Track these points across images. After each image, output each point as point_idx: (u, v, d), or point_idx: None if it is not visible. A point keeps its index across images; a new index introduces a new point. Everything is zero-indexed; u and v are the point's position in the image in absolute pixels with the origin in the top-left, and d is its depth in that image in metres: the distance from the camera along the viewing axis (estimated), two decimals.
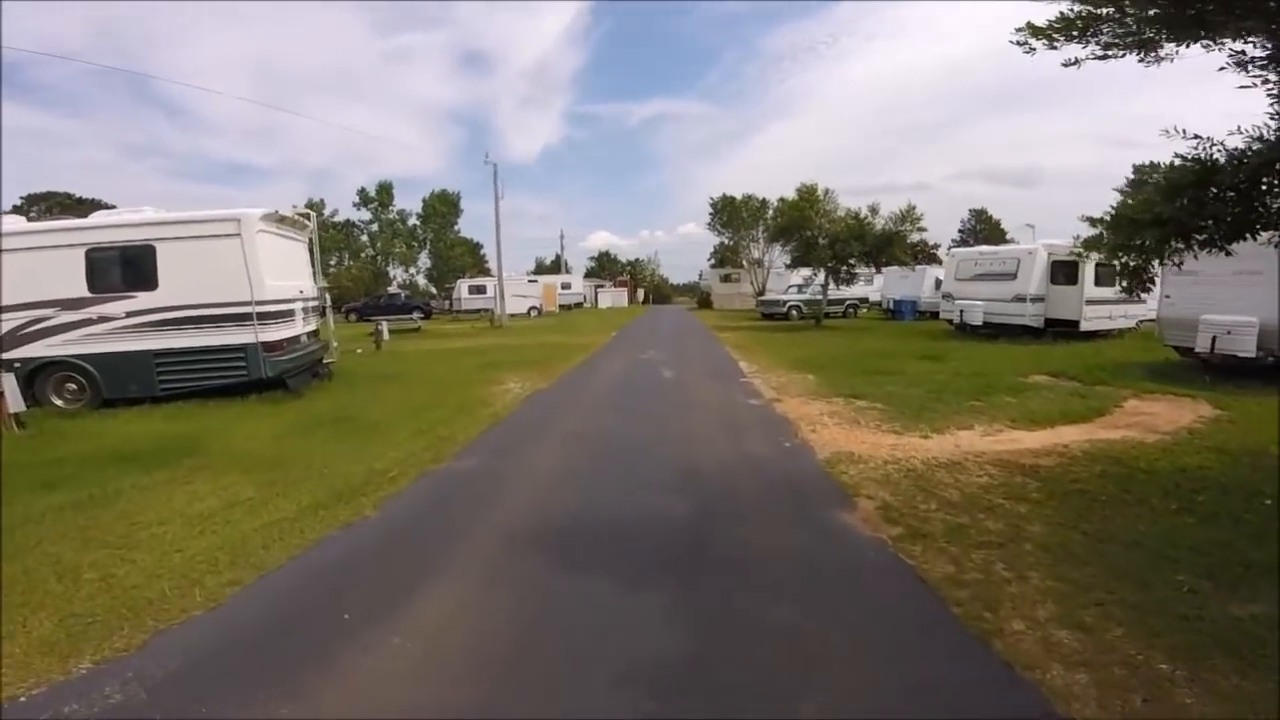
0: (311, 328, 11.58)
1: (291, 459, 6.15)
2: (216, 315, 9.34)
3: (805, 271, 30.67)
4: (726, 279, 43.71)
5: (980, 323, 17.05)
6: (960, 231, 57.70)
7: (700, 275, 55.97)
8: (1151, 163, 4.94)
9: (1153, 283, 5.09)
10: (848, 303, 28.23)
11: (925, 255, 20.54)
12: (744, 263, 44.94)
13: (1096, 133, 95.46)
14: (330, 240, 41.74)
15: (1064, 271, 16.75)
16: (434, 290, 48.80)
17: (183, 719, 2.42)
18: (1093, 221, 4.88)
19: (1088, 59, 4.37)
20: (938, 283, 27.05)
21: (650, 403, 8.60)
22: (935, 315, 27.02)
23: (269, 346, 9.65)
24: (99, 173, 78.79)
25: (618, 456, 6.12)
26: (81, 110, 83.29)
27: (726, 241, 42.57)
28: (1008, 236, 55.70)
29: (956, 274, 18.48)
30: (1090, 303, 16.67)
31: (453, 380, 11.08)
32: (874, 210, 20.11)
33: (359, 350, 16.53)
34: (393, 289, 54.59)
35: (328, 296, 12.69)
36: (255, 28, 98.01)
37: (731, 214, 39.37)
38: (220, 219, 9.46)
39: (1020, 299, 16.81)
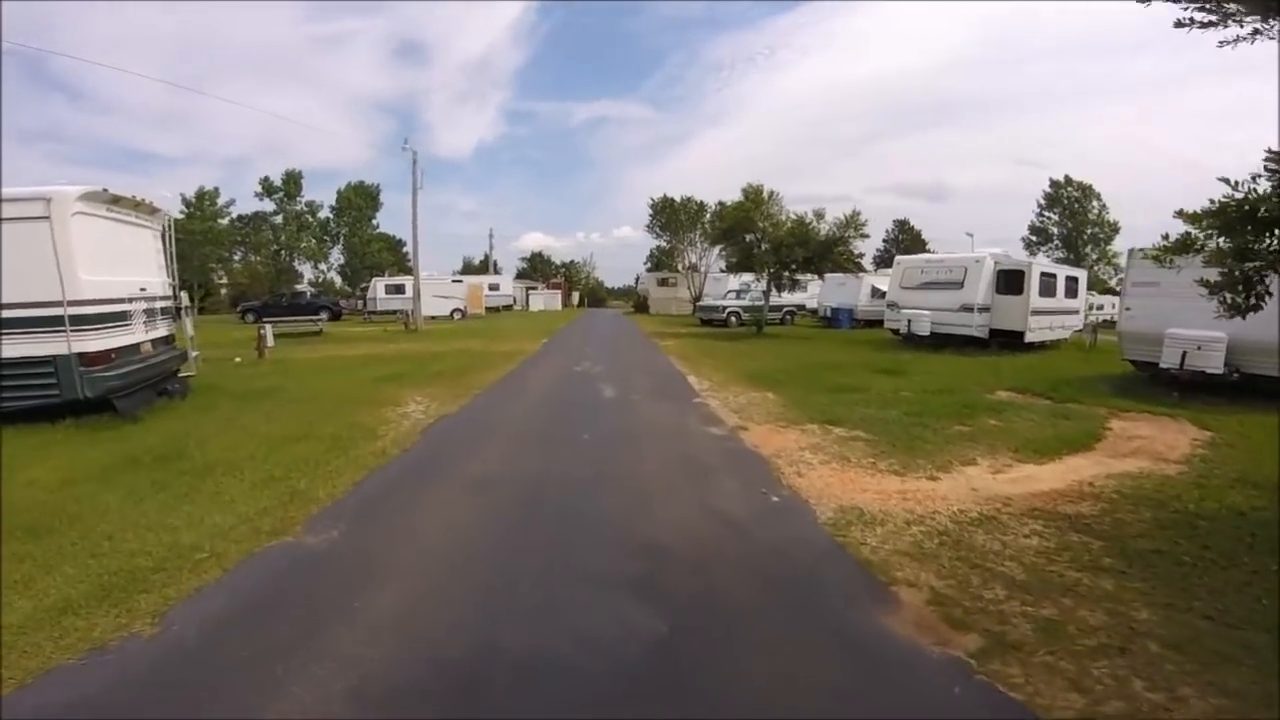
0: (160, 333, 9.28)
1: (70, 521, 4.26)
2: (13, 319, 7.06)
3: (744, 277, 30.06)
4: (663, 283, 42.55)
5: (928, 332, 16.48)
6: (885, 241, 59.63)
7: (637, 279, 54.74)
8: None
9: (1266, 296, 3.96)
10: (785, 309, 27.62)
11: (853, 264, 20.06)
12: (679, 267, 43.98)
13: (1002, 152, 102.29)
14: (232, 234, 37.47)
15: (1009, 281, 16.48)
16: (349, 289, 45.04)
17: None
18: (1188, 217, 3.63)
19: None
20: (874, 291, 26.94)
21: (587, 432, 6.91)
22: (871, 324, 27.03)
23: (89, 358, 7.47)
24: None
25: (544, 523, 4.39)
26: None
27: (665, 244, 41.42)
28: (928, 247, 58.31)
29: (902, 282, 17.92)
30: (1035, 313, 16.50)
31: (340, 399, 8.97)
32: (819, 215, 19.33)
33: (238, 359, 13.90)
34: (301, 287, 50.27)
35: (186, 296, 10.26)
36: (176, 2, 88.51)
37: (670, 216, 38.24)
38: (25, 198, 7.30)
39: (967, 308, 16.37)
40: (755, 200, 19.99)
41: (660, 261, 58.41)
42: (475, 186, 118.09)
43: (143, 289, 8.72)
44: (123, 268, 8.35)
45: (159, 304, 9.24)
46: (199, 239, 29.15)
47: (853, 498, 4.93)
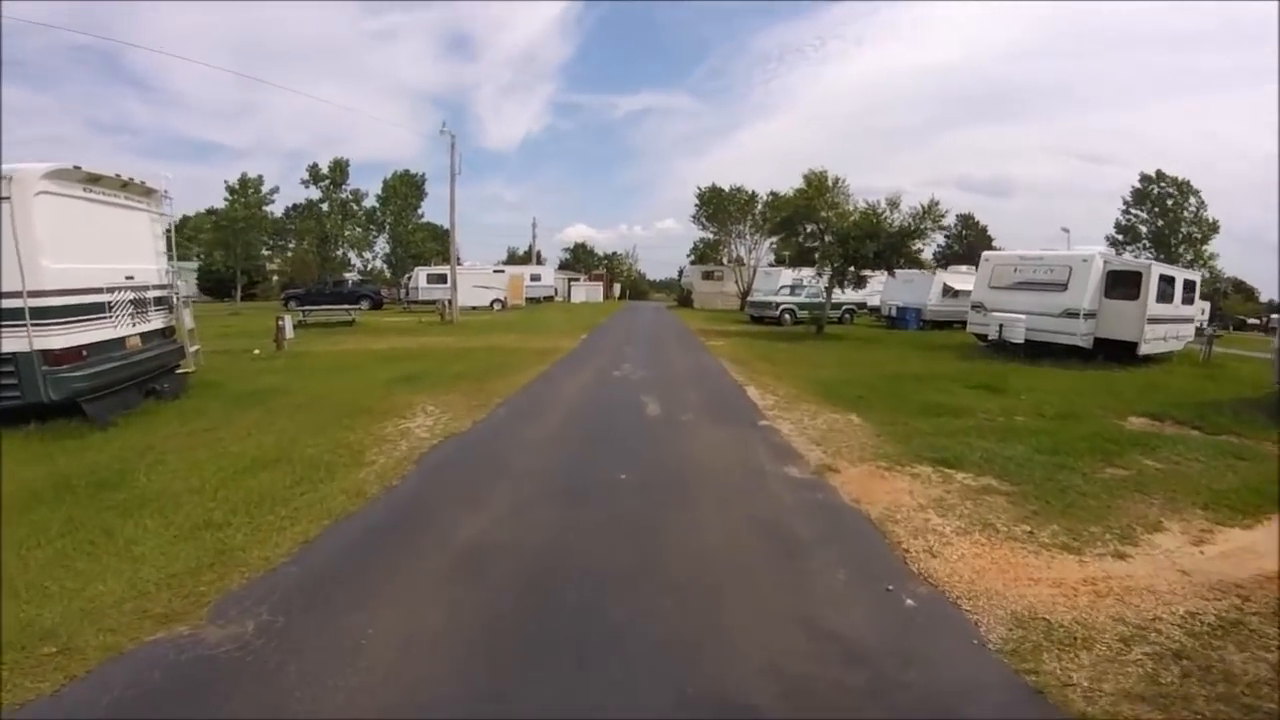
0: (152, 326, 8.22)
1: None
2: None
3: (799, 271, 27.96)
4: (709, 276, 40.61)
5: (1022, 340, 14.24)
6: (946, 237, 55.93)
7: (681, 272, 52.86)
8: None
9: None
10: (844, 307, 25.42)
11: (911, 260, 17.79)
12: (725, 260, 41.91)
13: (1066, 146, 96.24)
14: (278, 222, 37.48)
15: (1121, 284, 14.07)
16: (394, 278, 44.76)
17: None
18: None
19: None
20: (946, 289, 24.49)
21: (625, 472, 5.29)
22: (939, 325, 24.58)
23: (54, 357, 6.50)
24: (65, 148, 75.54)
25: (553, 660, 2.80)
26: (51, 84, 78.61)
27: (711, 236, 39.42)
28: (994, 244, 54.45)
29: (991, 281, 15.64)
30: (1151, 321, 14.06)
31: (341, 406, 7.66)
32: (893, 204, 17.16)
33: (256, 351, 12.93)
34: (351, 275, 50.49)
35: (184, 284, 9.16)
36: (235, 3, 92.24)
37: (718, 206, 36.22)
38: None
39: (1071, 314, 14.05)
40: (818, 187, 17.96)
41: (705, 254, 56.36)
42: (521, 178, 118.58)
43: (129, 277, 7.65)
44: (104, 254, 7.30)
45: (152, 294, 8.17)
46: (242, 226, 28.87)
47: (1024, 595, 3.34)
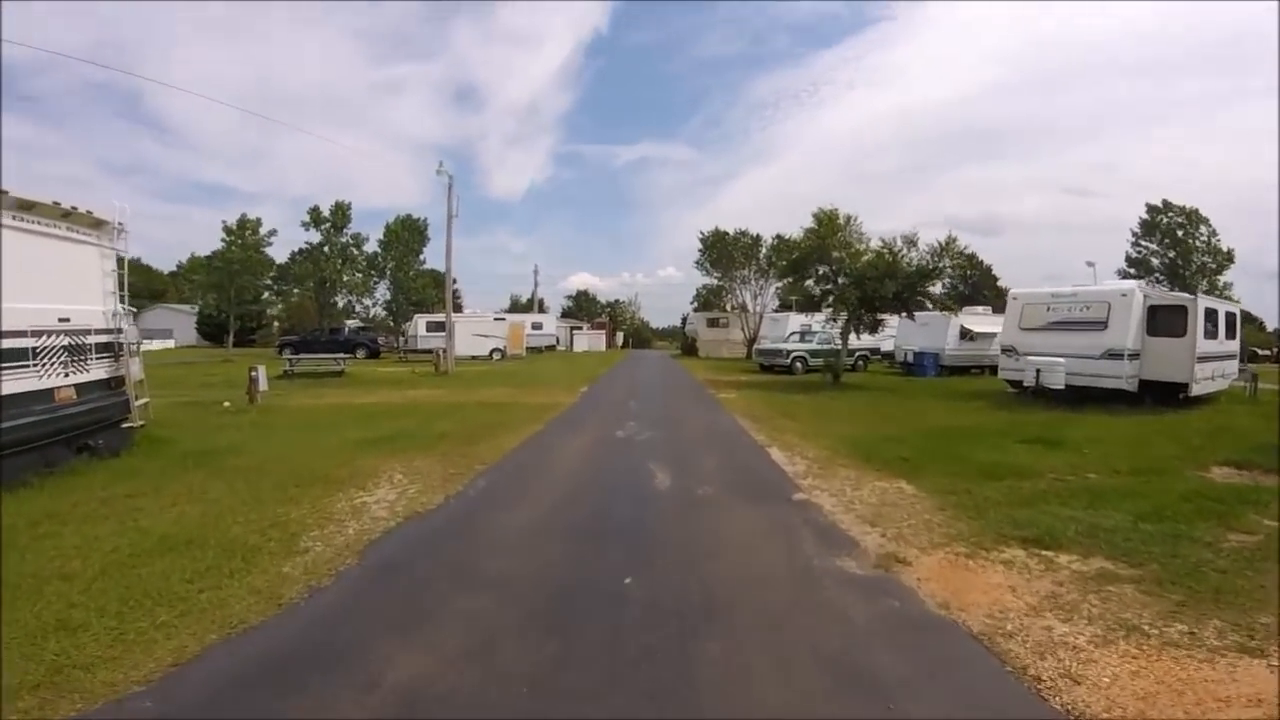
0: (91, 377, 7.16)
1: None
2: None
3: (809, 316, 27.02)
4: (714, 324, 39.76)
5: (1063, 385, 13.04)
6: (950, 278, 55.39)
7: (684, 319, 52.20)
8: None
9: None
10: (857, 354, 24.30)
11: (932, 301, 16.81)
12: (728, 306, 41.16)
13: (1052, 181, 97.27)
14: (272, 267, 36.97)
15: (1164, 320, 12.96)
16: (394, 325, 44.05)
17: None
18: None
19: None
20: (963, 332, 23.43)
21: (632, 575, 4.05)
22: (955, 370, 23.39)
23: None
24: (78, 188, 77.30)
25: None
26: (67, 123, 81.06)
27: (716, 281, 38.77)
28: (999, 283, 53.78)
29: (1022, 322, 14.55)
30: (1200, 359, 12.88)
31: (295, 472, 6.46)
32: (911, 242, 16.29)
33: (227, 404, 11.82)
34: (352, 322, 49.90)
35: (131, 328, 8.16)
36: (248, 49, 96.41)
37: (722, 251, 35.67)
38: None
39: (1114, 355, 12.89)
40: (830, 226, 17.14)
41: (708, 301, 55.83)
42: (525, 227, 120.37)
43: (64, 320, 6.65)
44: (32, 292, 6.29)
45: (93, 339, 7.14)
46: (237, 268, 28.19)
47: None
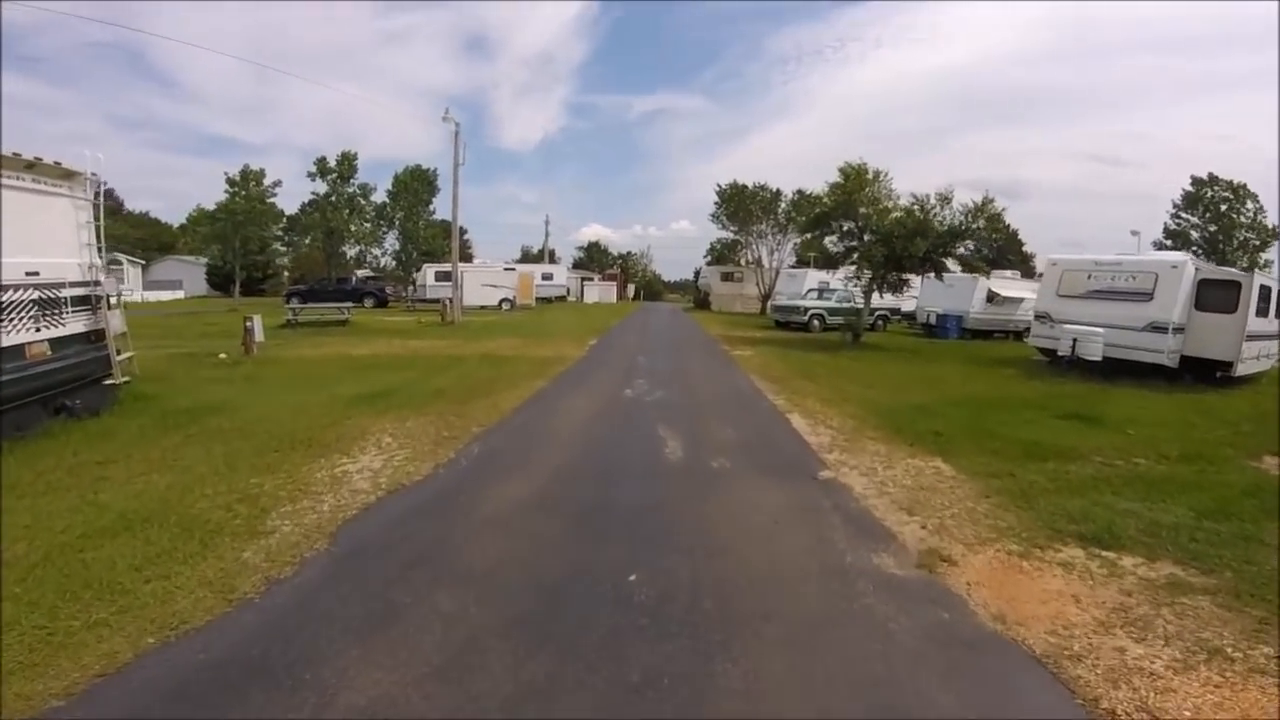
0: (66, 331, 6.72)
1: None
2: None
3: (824, 274, 25.99)
4: (728, 278, 38.70)
5: (1100, 357, 12.27)
6: (981, 239, 53.58)
7: (697, 273, 51.06)
8: None
9: None
10: (876, 314, 23.40)
11: (964, 264, 15.82)
12: (742, 261, 39.97)
13: (1082, 149, 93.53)
14: (278, 217, 36.20)
15: (1216, 295, 12.08)
16: (403, 275, 43.44)
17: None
18: None
19: None
20: (990, 295, 22.45)
21: (638, 570, 3.55)
22: (979, 334, 22.53)
23: None
24: (86, 143, 77.19)
25: None
26: (73, 80, 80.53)
27: (732, 235, 37.50)
28: (1024, 247, 51.93)
29: (1060, 289, 13.66)
30: (1249, 338, 12.08)
31: (282, 432, 6.04)
32: (945, 200, 15.23)
33: (222, 355, 11.40)
34: (362, 272, 49.35)
35: (115, 282, 7.66)
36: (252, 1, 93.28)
37: (739, 204, 34.30)
38: None
39: (1159, 328, 12.06)
40: (858, 181, 16.05)
41: (721, 255, 54.42)
42: (537, 178, 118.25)
43: (33, 273, 6.16)
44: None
45: (67, 293, 6.67)
46: (241, 219, 27.48)
47: None
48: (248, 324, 11.69)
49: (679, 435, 6.34)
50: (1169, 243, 36.52)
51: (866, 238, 16.06)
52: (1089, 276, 13.37)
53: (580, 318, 26.16)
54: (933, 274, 16.27)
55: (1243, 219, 36.05)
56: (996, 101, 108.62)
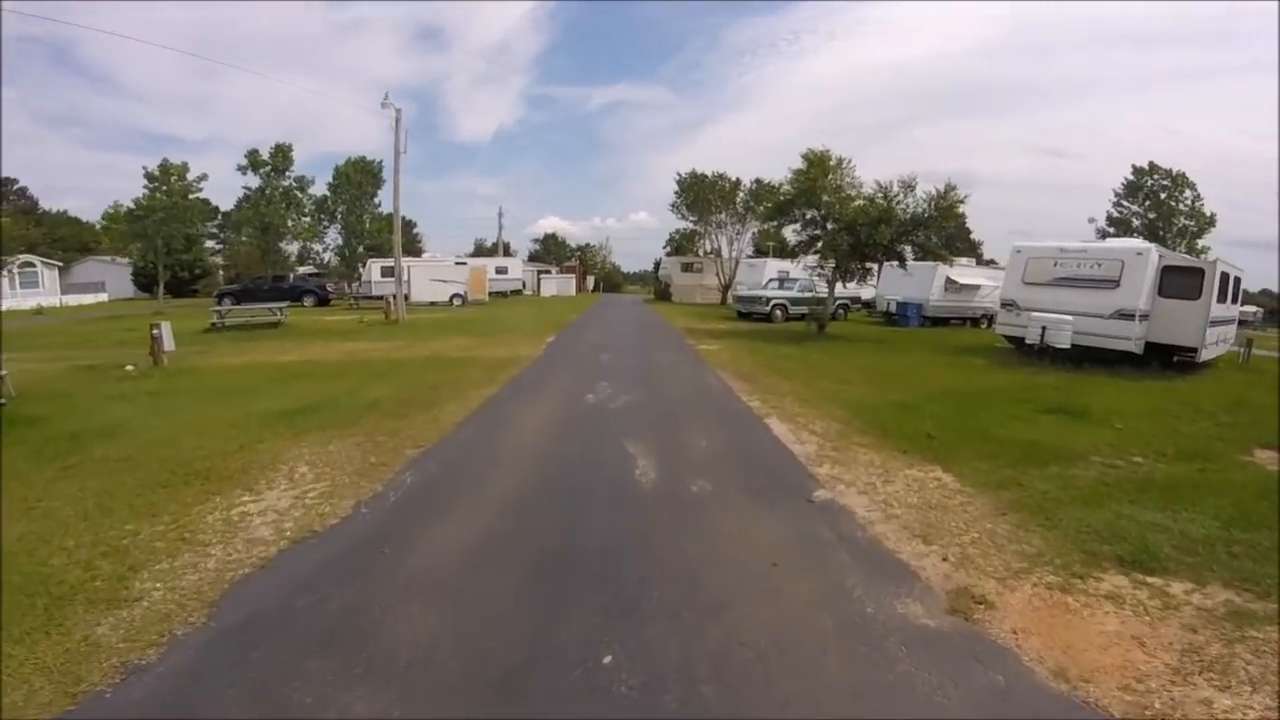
0: None
1: None
2: None
3: (784, 263, 25.69)
4: (688, 269, 38.14)
5: (1069, 345, 12.14)
6: (943, 227, 54.69)
7: (657, 264, 50.36)
8: None
9: None
10: (837, 303, 23.19)
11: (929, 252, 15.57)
12: (701, 251, 39.46)
13: (1029, 142, 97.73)
14: (206, 212, 33.65)
15: (1180, 282, 12.10)
16: (347, 271, 41.25)
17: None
18: None
19: None
20: (949, 283, 22.53)
21: (612, 642, 2.77)
22: (938, 321, 22.60)
23: None
24: (15, 143, 71.28)
25: None
26: None
27: (692, 225, 36.84)
28: (972, 236, 53.26)
29: (1025, 276, 13.50)
30: (1212, 324, 12.19)
31: (177, 462, 5.03)
32: (909, 187, 14.90)
33: (130, 367, 10.04)
34: (306, 269, 46.72)
35: None
36: None
37: (699, 194, 33.69)
38: None
39: (1125, 315, 11.98)
40: (821, 168, 15.57)
41: (681, 245, 53.81)
42: (493, 171, 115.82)
43: None
44: None
45: None
46: (161, 216, 25.13)
47: None
48: (155, 331, 10.32)
49: (650, 450, 5.57)
50: (1112, 230, 37.80)
51: (830, 226, 15.62)
52: (1054, 264, 13.24)
53: (538, 312, 25.10)
54: (895, 262, 15.97)
55: (1181, 206, 37.58)
56: (947, 96, 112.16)
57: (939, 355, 13.47)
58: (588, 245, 70.87)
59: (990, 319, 25.30)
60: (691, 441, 5.98)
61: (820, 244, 15.53)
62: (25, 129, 78.93)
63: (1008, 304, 13.80)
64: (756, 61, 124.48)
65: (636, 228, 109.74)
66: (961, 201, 14.90)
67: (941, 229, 15.14)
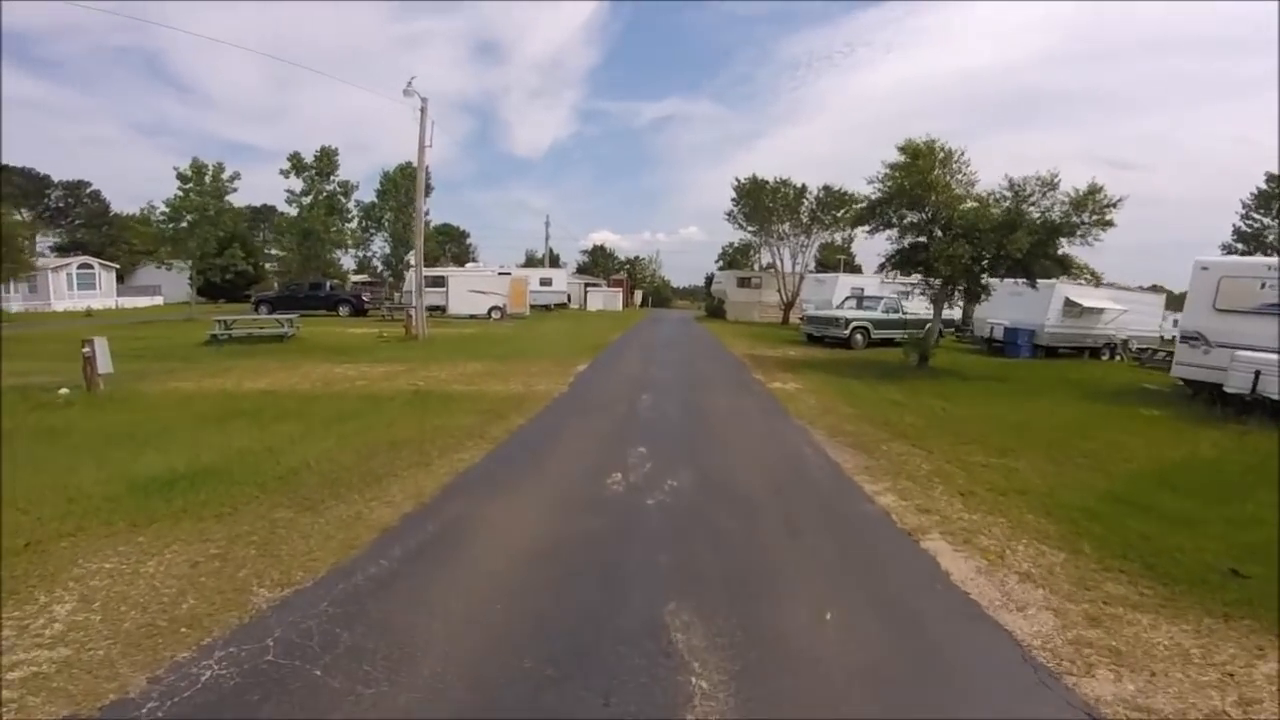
0: None
1: None
2: None
3: (857, 278, 22.45)
4: (745, 284, 35.01)
5: None
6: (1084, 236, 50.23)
7: (709, 279, 47.46)
8: None
9: None
10: (925, 326, 19.69)
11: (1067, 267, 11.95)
12: (756, 265, 36.30)
13: (1092, 152, 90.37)
14: (240, 215, 32.83)
15: None
16: (393, 279, 40.20)
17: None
18: None
19: None
20: (1068, 304, 18.70)
21: None
22: (1052, 350, 18.82)
23: None
24: (106, 149, 76.34)
25: None
26: (91, 86, 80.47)
27: (750, 235, 33.70)
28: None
29: (1218, 302, 9.97)
30: None
31: None
32: (1049, 185, 11.57)
33: (63, 391, 7.99)
34: (360, 277, 46.17)
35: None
36: (267, 7, 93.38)
37: (758, 201, 30.62)
38: None
39: None
40: (928, 161, 12.37)
41: (734, 259, 50.62)
42: (547, 184, 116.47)
43: None
44: None
45: None
46: (195, 219, 24.03)
47: None
48: (85, 350, 8.20)
49: (718, 633, 2.72)
50: (1240, 246, 32.53)
51: (939, 233, 12.40)
52: (1262, 285, 9.66)
53: (577, 330, 22.59)
54: (1023, 280, 12.58)
55: None
56: (1009, 105, 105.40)
57: (1092, 403, 10.06)
58: (637, 258, 68.59)
59: (1113, 349, 21.30)
60: (796, 608, 3.07)
61: (929, 254, 12.27)
62: (118, 136, 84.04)
63: (1191, 338, 10.23)
64: (810, 75, 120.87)
65: (686, 242, 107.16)
66: (1114, 205, 11.43)
67: (1086, 238, 11.64)
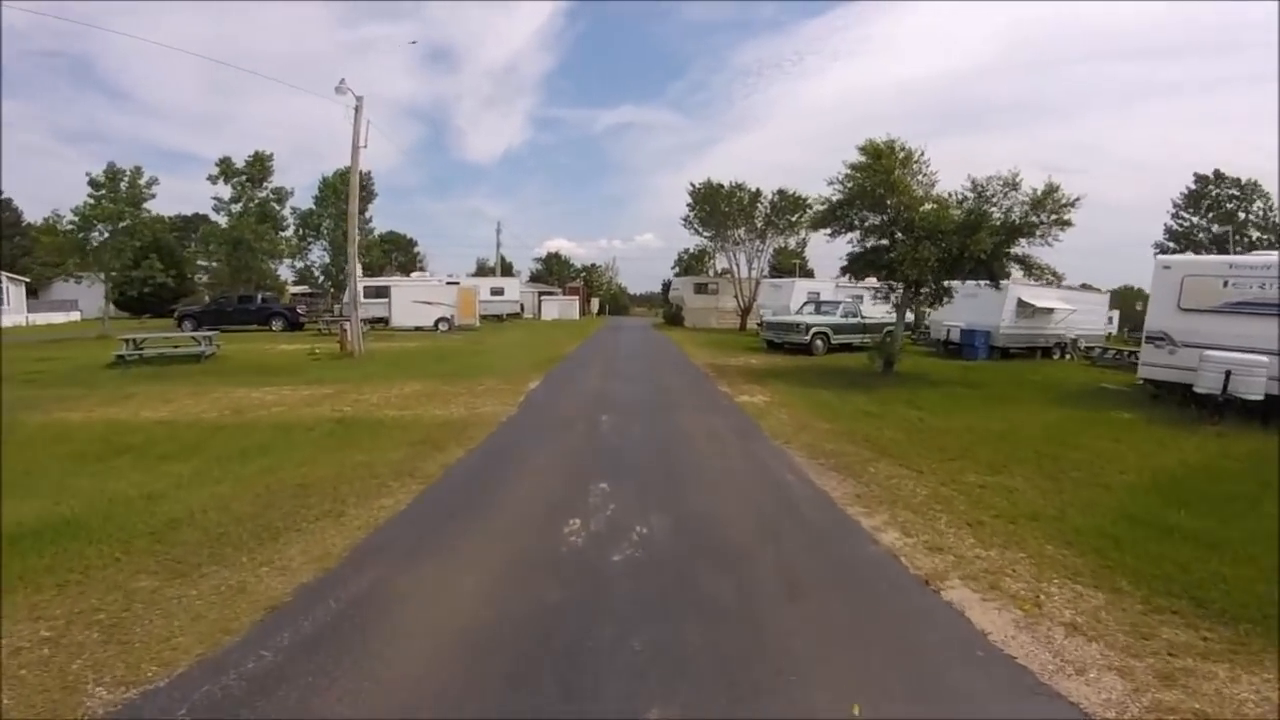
0: None
1: None
2: None
3: (815, 283, 22.34)
4: (702, 289, 34.68)
5: (1262, 394, 8.53)
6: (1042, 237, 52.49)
7: (666, 285, 47.08)
8: None
9: None
10: (885, 329, 19.60)
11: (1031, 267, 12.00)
12: (711, 270, 36.09)
13: (1033, 158, 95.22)
14: (162, 225, 30.41)
15: None
16: (333, 290, 38.15)
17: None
18: None
19: None
20: (1020, 305, 18.92)
21: None
22: (1007, 351, 19.00)
23: None
24: (32, 156, 70.21)
25: None
26: (15, 91, 73.83)
27: (706, 240, 33.40)
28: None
29: (1183, 301, 9.92)
30: None
31: None
32: (1012, 185, 11.40)
33: None
34: (300, 289, 43.75)
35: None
36: (209, 10, 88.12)
37: (714, 206, 30.33)
38: None
39: None
40: (889, 161, 12.06)
41: (690, 265, 50.47)
42: (501, 192, 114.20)
43: None
44: None
45: None
46: (105, 229, 21.76)
47: None
48: None
49: None
50: (1172, 245, 34.25)
51: (900, 235, 12.10)
52: (1224, 284, 9.65)
53: (530, 341, 21.59)
54: (985, 281, 12.43)
55: (1252, 217, 33.95)
56: (950, 113, 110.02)
57: (1062, 407, 9.87)
58: (593, 266, 67.78)
59: (1063, 348, 21.73)
60: (809, 693, 2.36)
61: (892, 257, 11.93)
62: (44, 143, 78.05)
63: (1157, 338, 10.16)
64: (761, 82, 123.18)
65: (643, 249, 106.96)
66: (1072, 205, 11.35)
67: (1046, 238, 11.54)
